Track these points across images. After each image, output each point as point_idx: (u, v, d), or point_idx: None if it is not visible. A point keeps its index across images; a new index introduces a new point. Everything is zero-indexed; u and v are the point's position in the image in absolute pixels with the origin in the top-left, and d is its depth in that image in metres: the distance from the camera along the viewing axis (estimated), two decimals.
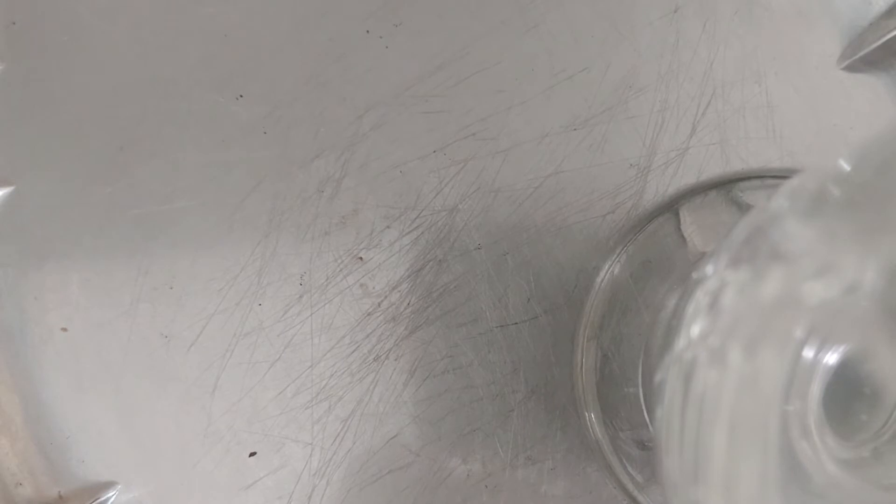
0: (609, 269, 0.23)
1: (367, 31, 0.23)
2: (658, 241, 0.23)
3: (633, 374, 0.23)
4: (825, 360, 0.14)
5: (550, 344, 0.23)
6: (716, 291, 0.13)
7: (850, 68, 0.24)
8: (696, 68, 0.24)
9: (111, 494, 0.22)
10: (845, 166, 0.12)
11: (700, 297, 0.13)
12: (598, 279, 0.23)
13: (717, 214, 0.23)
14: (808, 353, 0.13)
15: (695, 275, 0.15)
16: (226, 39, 0.23)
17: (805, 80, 0.24)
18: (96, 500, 0.22)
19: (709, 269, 0.14)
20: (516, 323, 0.23)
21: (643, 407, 0.22)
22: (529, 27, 0.24)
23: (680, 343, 0.13)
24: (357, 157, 0.23)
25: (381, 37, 0.23)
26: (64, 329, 0.23)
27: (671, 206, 0.23)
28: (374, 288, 0.23)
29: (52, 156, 0.23)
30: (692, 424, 0.12)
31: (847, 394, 0.15)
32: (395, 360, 0.23)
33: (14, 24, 0.23)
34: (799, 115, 0.24)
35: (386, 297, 0.23)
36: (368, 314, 0.23)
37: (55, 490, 0.22)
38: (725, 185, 0.23)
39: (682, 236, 0.23)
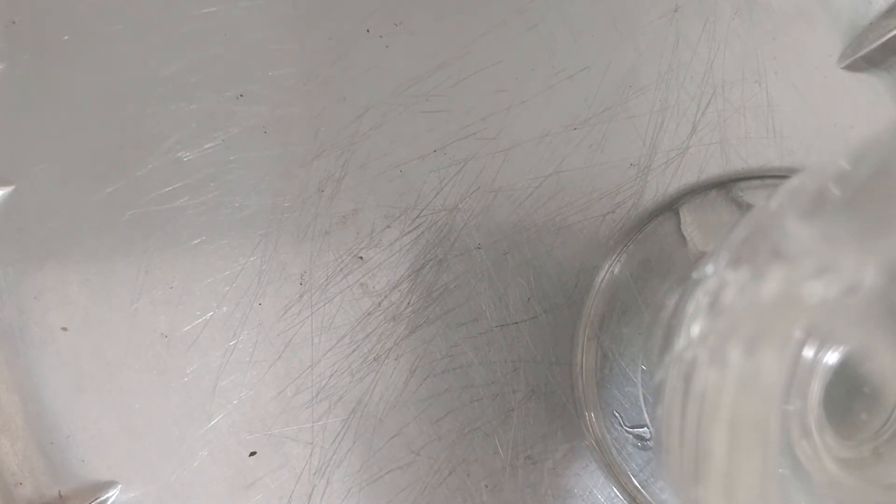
0: (609, 268, 0.23)
1: (367, 31, 0.23)
2: (658, 241, 0.23)
3: (633, 374, 0.23)
4: (825, 360, 0.14)
5: (550, 344, 0.23)
6: (716, 291, 0.13)
7: (851, 68, 0.24)
8: (696, 68, 0.24)
9: (111, 494, 0.22)
10: (845, 166, 0.12)
11: (700, 296, 0.13)
12: (598, 279, 0.23)
13: (717, 214, 0.23)
14: (808, 352, 0.13)
15: (695, 275, 0.15)
16: (226, 39, 0.23)
17: (805, 79, 0.24)
18: (96, 499, 0.22)
19: (709, 268, 0.14)
20: (516, 322, 0.23)
21: (643, 407, 0.22)
22: (529, 27, 0.24)
23: (680, 343, 0.13)
24: (357, 156, 0.23)
25: (381, 36, 0.23)
26: (64, 328, 0.23)
27: (671, 206, 0.23)
28: (374, 287, 0.23)
29: (52, 156, 0.23)
30: (692, 424, 0.12)
31: (847, 393, 0.15)
32: (396, 359, 0.23)
33: (14, 23, 0.23)
34: (799, 115, 0.24)
35: (386, 296, 0.23)
36: (369, 314, 0.23)
37: (55, 489, 0.22)
38: (725, 185, 0.23)
39: (682, 236, 0.23)
